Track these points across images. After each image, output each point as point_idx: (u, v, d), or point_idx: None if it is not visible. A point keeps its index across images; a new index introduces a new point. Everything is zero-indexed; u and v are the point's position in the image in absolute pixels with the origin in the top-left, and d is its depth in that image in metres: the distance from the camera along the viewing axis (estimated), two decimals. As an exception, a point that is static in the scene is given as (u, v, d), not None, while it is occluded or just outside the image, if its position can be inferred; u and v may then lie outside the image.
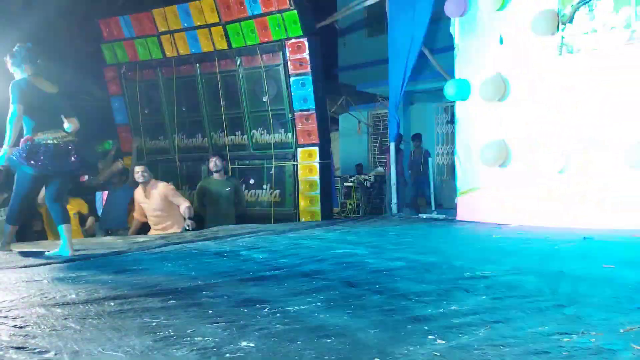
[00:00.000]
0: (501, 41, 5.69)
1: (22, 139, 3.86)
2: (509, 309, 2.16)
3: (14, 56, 3.94)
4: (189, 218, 5.51)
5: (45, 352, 1.66)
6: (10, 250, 3.99)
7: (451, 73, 6.34)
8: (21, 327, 1.93)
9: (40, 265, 3.38)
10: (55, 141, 3.87)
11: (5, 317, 2.07)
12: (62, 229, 3.90)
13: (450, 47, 6.33)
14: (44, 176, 3.92)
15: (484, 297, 2.37)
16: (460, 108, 6.20)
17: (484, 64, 5.81)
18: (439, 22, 6.91)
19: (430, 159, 8.37)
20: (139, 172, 5.79)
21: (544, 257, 3.48)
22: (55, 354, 1.64)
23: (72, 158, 3.94)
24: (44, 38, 7.06)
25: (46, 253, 3.91)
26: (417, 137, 9.64)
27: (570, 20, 5.18)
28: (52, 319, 2.04)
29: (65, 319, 2.05)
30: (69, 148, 3.94)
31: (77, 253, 3.88)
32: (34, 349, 1.69)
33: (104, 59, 8.41)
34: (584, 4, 5.08)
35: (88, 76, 8.37)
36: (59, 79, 7.75)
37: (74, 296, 2.43)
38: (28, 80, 3.91)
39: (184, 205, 5.62)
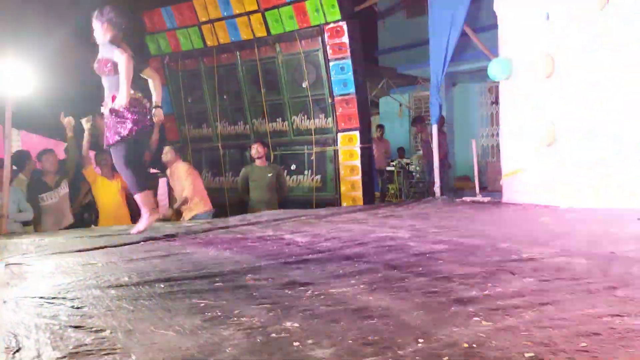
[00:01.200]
0: (547, 18, 5.48)
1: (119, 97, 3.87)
2: (557, 291, 2.11)
3: (101, 14, 3.98)
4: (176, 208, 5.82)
5: (101, 330, 1.75)
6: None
7: (495, 52, 6.15)
8: (78, 308, 2.04)
9: (94, 249, 3.53)
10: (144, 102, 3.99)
11: (64, 298, 2.19)
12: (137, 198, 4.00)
13: (493, 26, 6.14)
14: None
15: (530, 279, 2.32)
16: (505, 88, 6.02)
17: (530, 41, 5.61)
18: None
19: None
20: (166, 153, 6.04)
21: (594, 239, 3.36)
22: (111, 333, 1.73)
23: (148, 118, 3.99)
24: (90, 33, 7.29)
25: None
26: (418, 120, 9.28)
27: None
28: (106, 300, 2.14)
29: (119, 300, 2.15)
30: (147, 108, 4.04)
31: (125, 238, 4.03)
32: (91, 327, 1.78)
33: (148, 50, 8.61)
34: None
35: (134, 68, 8.60)
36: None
37: (126, 279, 2.53)
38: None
39: (185, 193, 5.85)
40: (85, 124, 5.78)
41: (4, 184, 4.61)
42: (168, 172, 6.15)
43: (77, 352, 1.55)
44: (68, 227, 5.57)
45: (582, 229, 3.91)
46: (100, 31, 3.96)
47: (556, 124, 5.42)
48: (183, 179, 5.96)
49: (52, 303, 2.10)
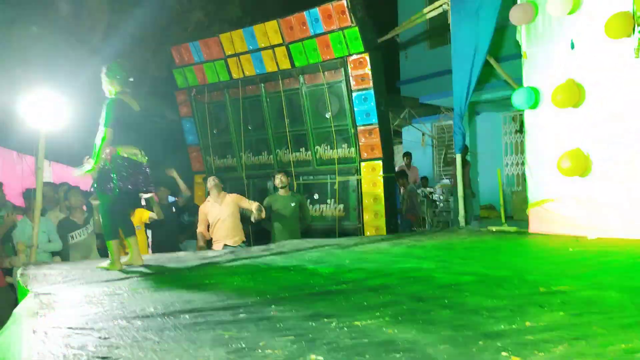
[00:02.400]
0: (572, 46, 5.47)
1: (106, 152, 3.94)
2: (589, 325, 2.05)
3: (109, 69, 4.11)
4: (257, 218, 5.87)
5: (128, 361, 1.76)
6: (122, 268, 4.00)
7: (518, 81, 6.14)
8: (105, 339, 2.06)
9: (120, 279, 3.58)
10: (135, 157, 4.04)
11: (92, 328, 2.22)
12: (129, 241, 4.15)
13: (516, 55, 6.15)
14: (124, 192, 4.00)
15: (560, 313, 2.27)
16: (530, 116, 5.98)
17: (554, 70, 5.59)
18: (504, 29, 6.73)
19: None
20: (213, 181, 6.15)
21: (625, 271, 3.27)
22: (137, 364, 1.74)
23: (141, 177, 4.07)
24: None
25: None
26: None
27: (647, 21, 4.89)
28: (132, 331, 2.16)
29: (145, 330, 2.16)
30: (143, 167, 4.11)
31: (150, 268, 4.07)
32: (118, 358, 1.80)
33: (175, 83, 8.86)
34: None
35: (161, 100, 8.87)
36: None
37: (152, 309, 2.55)
38: (120, 98, 4.06)
39: (254, 204, 5.97)
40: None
41: (35, 215, 4.73)
42: (210, 201, 6.22)
43: (104, 383, 1.56)
44: None
45: (612, 260, 3.80)
46: (106, 86, 4.13)
47: (585, 153, 5.34)
48: (244, 200, 6.16)
49: (80, 334, 2.13)
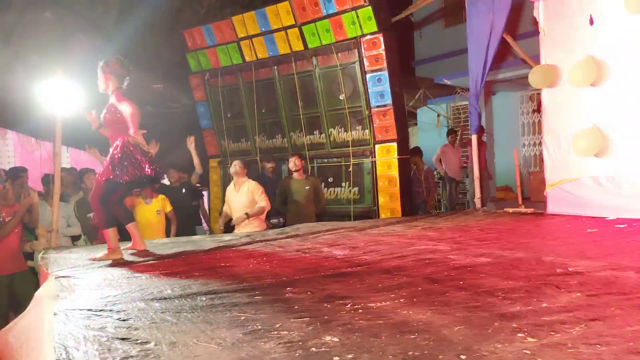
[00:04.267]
0: (591, 22, 5.33)
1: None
2: (606, 306, 2.03)
3: (107, 65, 3.98)
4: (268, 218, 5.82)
5: (146, 342, 1.80)
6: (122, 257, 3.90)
7: (535, 59, 6.02)
8: (124, 320, 2.10)
9: (138, 262, 3.63)
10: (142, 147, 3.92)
11: (111, 310, 2.26)
12: (131, 227, 4.09)
13: (534, 33, 6.02)
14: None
15: (578, 294, 2.25)
16: (547, 95, 5.88)
17: (573, 47, 5.47)
18: (521, 6, 6.59)
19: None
20: (233, 167, 6.14)
21: (645, 252, 3.23)
22: (155, 345, 1.77)
23: (147, 167, 3.89)
24: (134, 51, 7.56)
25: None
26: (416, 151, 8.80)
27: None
28: (151, 313, 2.20)
29: (163, 312, 2.20)
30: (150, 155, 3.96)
31: (170, 251, 4.12)
32: (137, 339, 1.83)
33: (189, 67, 8.85)
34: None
35: (175, 84, 8.87)
36: (148, 89, 8.27)
37: (169, 291, 2.59)
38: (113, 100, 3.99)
39: (261, 204, 5.89)
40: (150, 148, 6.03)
41: (54, 200, 4.81)
42: (232, 185, 6.23)
43: (123, 364, 1.59)
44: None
45: (631, 241, 3.75)
46: (102, 81, 4.02)
47: (604, 133, 5.25)
48: (258, 194, 6.04)
49: (100, 315, 2.17)
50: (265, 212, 6.10)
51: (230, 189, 6.24)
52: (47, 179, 5.96)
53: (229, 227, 6.19)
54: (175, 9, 8.76)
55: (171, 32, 8.79)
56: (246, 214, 5.85)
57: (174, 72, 8.90)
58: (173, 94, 8.81)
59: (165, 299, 2.44)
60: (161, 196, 6.32)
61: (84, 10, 7.95)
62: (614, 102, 5.19)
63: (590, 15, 5.33)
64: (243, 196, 6.01)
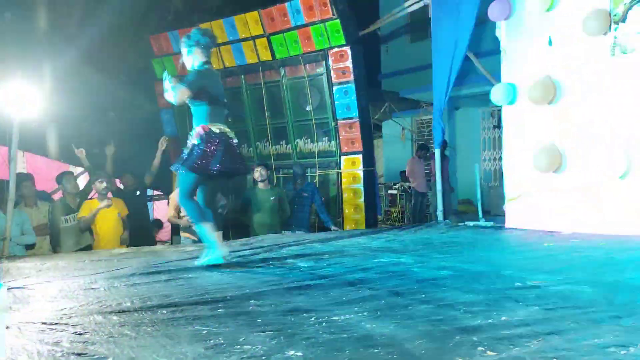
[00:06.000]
0: (550, 43, 5.54)
1: (197, 129, 3.69)
2: (562, 320, 2.09)
3: (189, 38, 3.73)
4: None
5: (104, 358, 1.74)
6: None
7: (497, 77, 6.20)
8: (80, 334, 2.03)
9: (96, 273, 3.53)
10: (231, 135, 3.72)
11: (66, 324, 2.18)
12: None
13: (496, 51, 6.20)
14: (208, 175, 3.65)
15: (535, 307, 2.30)
16: (507, 112, 6.05)
17: (532, 66, 5.66)
18: (484, 25, 6.77)
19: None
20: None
21: (599, 267, 3.34)
22: (113, 360, 1.72)
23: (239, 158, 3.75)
24: (98, 55, 7.40)
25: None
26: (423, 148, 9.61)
27: (624, 20, 4.98)
28: (109, 326, 2.13)
29: (122, 326, 2.14)
30: (235, 144, 3.76)
31: (123, 262, 4.02)
32: (93, 355, 1.77)
33: (154, 73, 8.71)
34: (637, 2, 4.87)
35: (139, 90, 8.71)
36: (112, 94, 8.09)
37: (128, 304, 2.52)
38: (208, 68, 3.74)
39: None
40: (107, 150, 5.99)
41: (8, 207, 4.63)
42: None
43: (79, 381, 1.54)
44: (85, 248, 5.64)
45: (586, 255, 3.88)
46: (189, 58, 3.74)
47: (560, 149, 5.44)
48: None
49: (55, 329, 2.09)
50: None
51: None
52: (0, 185, 5.73)
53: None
54: (141, 14, 8.63)
55: (137, 37, 8.65)
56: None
57: (139, 77, 8.74)
58: (137, 100, 8.64)
59: (124, 312, 2.38)
60: (119, 199, 6.21)
61: (45, 11, 7.73)
62: (568, 120, 5.39)
63: (549, 36, 5.54)
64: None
